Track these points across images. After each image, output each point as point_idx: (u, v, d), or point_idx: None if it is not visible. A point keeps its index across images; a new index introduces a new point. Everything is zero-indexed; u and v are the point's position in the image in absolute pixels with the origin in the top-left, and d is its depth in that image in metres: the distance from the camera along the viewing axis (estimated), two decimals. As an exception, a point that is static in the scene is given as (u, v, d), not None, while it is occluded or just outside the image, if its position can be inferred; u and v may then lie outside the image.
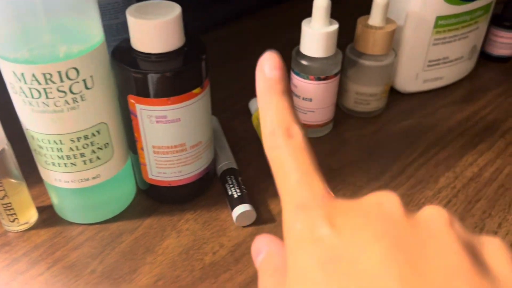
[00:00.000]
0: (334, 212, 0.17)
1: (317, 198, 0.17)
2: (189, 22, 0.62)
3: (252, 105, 0.49)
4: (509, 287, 0.15)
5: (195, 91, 0.33)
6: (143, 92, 0.32)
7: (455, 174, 0.42)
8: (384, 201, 0.17)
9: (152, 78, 0.31)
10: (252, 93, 0.52)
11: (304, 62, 0.42)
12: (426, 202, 0.39)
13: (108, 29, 0.45)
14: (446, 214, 0.17)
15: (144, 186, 0.38)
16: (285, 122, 0.19)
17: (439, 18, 0.47)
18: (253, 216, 0.36)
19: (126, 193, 0.38)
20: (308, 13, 0.41)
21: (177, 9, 0.31)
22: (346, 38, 0.53)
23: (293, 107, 0.19)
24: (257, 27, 0.67)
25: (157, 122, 0.33)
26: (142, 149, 0.35)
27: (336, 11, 0.69)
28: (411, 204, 0.39)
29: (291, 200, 0.18)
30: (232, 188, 0.38)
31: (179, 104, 0.33)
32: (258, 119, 0.46)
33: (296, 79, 0.43)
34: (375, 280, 0.15)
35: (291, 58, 0.43)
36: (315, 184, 0.18)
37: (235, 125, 0.48)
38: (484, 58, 0.60)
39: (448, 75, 0.53)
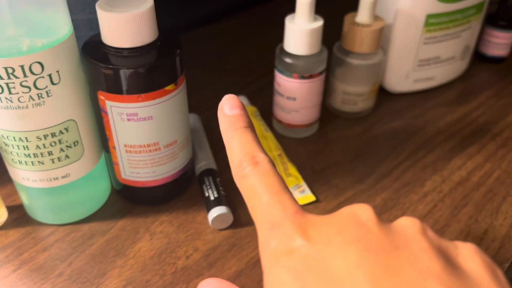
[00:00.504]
0: (306, 225, 0.17)
1: (288, 214, 0.18)
2: (173, 20, 0.60)
3: (236, 103, 0.47)
4: (483, 286, 0.15)
5: (169, 87, 0.32)
6: (113, 88, 0.30)
7: (442, 178, 0.41)
8: (358, 212, 0.18)
9: (121, 73, 0.30)
10: (237, 91, 0.51)
11: (287, 60, 0.41)
12: (411, 206, 0.38)
13: (88, 24, 0.43)
14: (419, 223, 0.18)
15: (119, 186, 0.37)
16: (250, 151, 0.20)
17: (429, 16, 0.45)
18: (230, 219, 0.35)
19: (99, 192, 0.37)
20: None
21: (149, 2, 0.30)
22: (336, 36, 0.52)
23: (257, 138, 0.21)
24: (243, 25, 0.66)
25: (128, 120, 0.32)
26: (114, 147, 0.34)
27: (326, 7, 0.68)
28: (396, 208, 0.38)
29: (264, 221, 0.18)
30: (209, 190, 0.36)
31: (151, 101, 0.31)
32: (241, 118, 0.45)
33: (280, 77, 0.42)
34: (348, 283, 0.15)
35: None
36: (286, 202, 0.18)
37: (217, 125, 0.46)
38: (478, 58, 0.59)
39: (439, 75, 0.51)
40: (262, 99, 0.50)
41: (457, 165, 0.42)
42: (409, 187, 0.40)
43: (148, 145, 0.33)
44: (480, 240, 0.35)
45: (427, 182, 0.40)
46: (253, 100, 0.49)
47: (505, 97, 0.52)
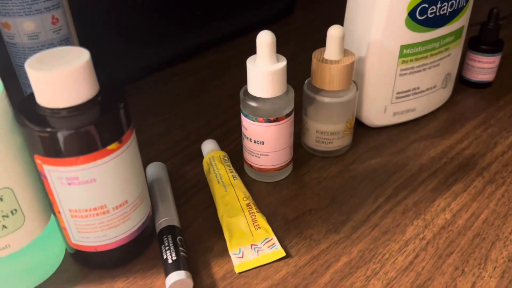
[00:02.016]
0: None
1: None
2: (137, 60, 0.58)
3: (204, 147, 0.44)
4: None
5: (111, 147, 0.29)
6: (49, 152, 0.28)
7: (425, 222, 0.38)
8: None
9: (55, 136, 0.27)
10: (208, 135, 0.48)
11: (251, 103, 0.38)
12: (391, 258, 0.35)
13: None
14: None
15: (71, 249, 0.34)
16: None
17: (403, 47, 0.43)
18: (189, 284, 0.32)
19: (49, 259, 0.34)
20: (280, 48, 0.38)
21: (84, 56, 0.28)
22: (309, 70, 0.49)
23: None
24: (211, 64, 0.64)
25: (69, 184, 0.29)
26: (59, 212, 0.31)
27: (302, 39, 0.66)
28: (374, 261, 0.34)
29: None
30: (168, 251, 0.33)
31: (91, 164, 0.28)
32: (208, 164, 0.42)
33: (246, 121, 0.39)
34: None
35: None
36: None
37: (186, 171, 0.44)
38: (463, 84, 0.56)
39: (420, 106, 0.48)
40: (232, 142, 0.47)
41: (441, 207, 0.39)
42: (388, 235, 0.36)
43: (95, 209, 0.30)
44: (466, 295, 0.32)
45: (408, 228, 0.37)
46: (222, 144, 0.46)
47: (492, 126, 0.49)
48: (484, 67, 0.54)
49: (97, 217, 0.31)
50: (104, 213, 0.31)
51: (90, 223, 0.31)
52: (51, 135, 0.27)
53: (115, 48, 0.60)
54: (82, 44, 0.48)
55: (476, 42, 0.53)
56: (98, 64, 0.34)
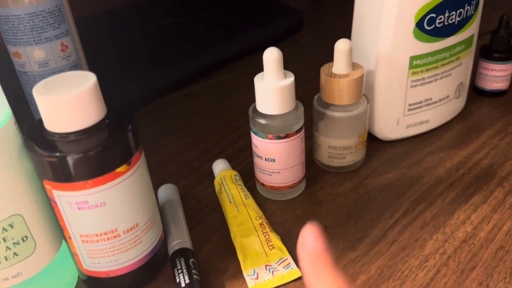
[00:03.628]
0: None
1: None
2: (146, 83, 0.58)
3: (215, 167, 0.44)
4: None
5: (120, 169, 0.29)
6: (58, 177, 0.28)
7: (444, 236, 0.36)
8: None
9: (64, 161, 0.27)
10: (218, 154, 0.48)
11: (261, 121, 0.38)
12: (411, 274, 0.33)
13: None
14: None
15: (83, 276, 0.34)
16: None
17: (413, 58, 0.42)
18: (203, 307, 0.31)
19: (62, 286, 0.34)
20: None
21: (90, 79, 0.28)
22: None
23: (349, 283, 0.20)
24: (220, 84, 0.64)
25: (79, 208, 0.29)
26: (70, 238, 0.31)
27: (311, 54, 0.66)
28: (393, 278, 0.33)
29: None
30: (181, 274, 0.33)
31: (100, 187, 0.28)
32: (219, 184, 0.41)
33: (256, 139, 0.39)
34: None
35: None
36: None
37: (198, 191, 0.43)
38: (477, 93, 0.55)
39: (434, 117, 0.47)
40: (244, 161, 0.47)
41: (460, 220, 0.38)
42: (407, 251, 0.35)
43: (105, 233, 0.30)
44: (493, 312, 0.30)
45: (427, 242, 0.36)
46: (233, 163, 0.46)
47: (510, 134, 0.47)
48: (497, 75, 0.53)
49: (108, 242, 0.30)
50: (115, 237, 0.30)
51: (101, 247, 0.31)
52: (59, 160, 0.27)
53: (124, 72, 0.60)
54: (91, 69, 0.49)
55: (488, 51, 0.52)
56: (107, 88, 0.34)
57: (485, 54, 0.53)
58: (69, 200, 0.28)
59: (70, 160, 0.27)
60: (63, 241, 0.33)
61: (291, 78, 0.37)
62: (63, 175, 0.28)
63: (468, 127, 0.49)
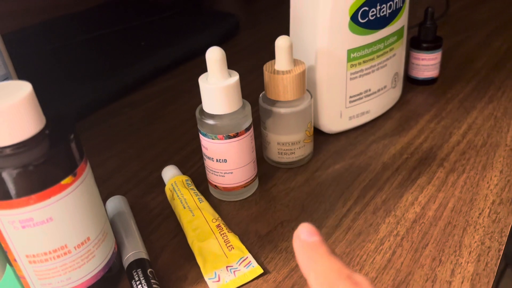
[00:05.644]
0: None
1: None
2: (85, 96, 0.56)
3: (165, 174, 0.43)
4: None
5: (65, 181, 0.27)
6: (-4, 195, 0.26)
7: (396, 219, 0.38)
8: None
9: (2, 177, 0.25)
10: (167, 161, 0.47)
11: (209, 122, 0.37)
12: (369, 258, 0.34)
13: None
14: None
15: (33, 300, 0.31)
16: (343, 273, 0.19)
17: (350, 51, 0.44)
18: (166, 317, 0.30)
19: (9, 314, 0.31)
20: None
21: (25, 88, 0.26)
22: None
23: (347, 266, 0.20)
24: (163, 91, 0.63)
25: (23, 227, 0.27)
26: (15, 260, 0.29)
27: (254, 53, 0.66)
28: (352, 263, 0.34)
29: None
30: (139, 286, 0.31)
31: (46, 201, 0.26)
32: (171, 190, 0.40)
33: (205, 141, 0.38)
34: None
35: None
36: None
37: (148, 201, 0.42)
38: (411, 82, 0.58)
39: (374, 107, 0.49)
40: (194, 166, 0.46)
41: (409, 201, 0.39)
42: (363, 236, 0.36)
43: (55, 250, 0.28)
44: (449, 284, 0.32)
45: (381, 226, 0.37)
46: (183, 169, 0.45)
47: (445, 119, 0.50)
48: (428, 64, 0.56)
49: (58, 259, 0.29)
50: (65, 253, 0.29)
51: (51, 267, 0.29)
52: (-4, 176, 0.25)
53: (61, 86, 0.58)
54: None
55: (417, 41, 0.55)
56: (44, 104, 0.32)
57: (415, 44, 0.55)
58: (11, 219, 0.26)
59: (7, 176, 0.25)
60: (7, 265, 0.30)
61: (236, 77, 0.36)
62: (2, 193, 0.26)
63: (406, 114, 0.51)
